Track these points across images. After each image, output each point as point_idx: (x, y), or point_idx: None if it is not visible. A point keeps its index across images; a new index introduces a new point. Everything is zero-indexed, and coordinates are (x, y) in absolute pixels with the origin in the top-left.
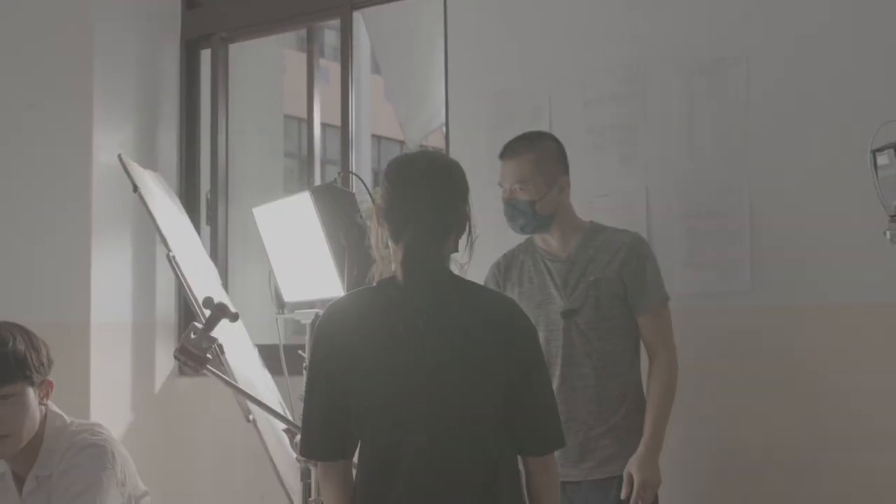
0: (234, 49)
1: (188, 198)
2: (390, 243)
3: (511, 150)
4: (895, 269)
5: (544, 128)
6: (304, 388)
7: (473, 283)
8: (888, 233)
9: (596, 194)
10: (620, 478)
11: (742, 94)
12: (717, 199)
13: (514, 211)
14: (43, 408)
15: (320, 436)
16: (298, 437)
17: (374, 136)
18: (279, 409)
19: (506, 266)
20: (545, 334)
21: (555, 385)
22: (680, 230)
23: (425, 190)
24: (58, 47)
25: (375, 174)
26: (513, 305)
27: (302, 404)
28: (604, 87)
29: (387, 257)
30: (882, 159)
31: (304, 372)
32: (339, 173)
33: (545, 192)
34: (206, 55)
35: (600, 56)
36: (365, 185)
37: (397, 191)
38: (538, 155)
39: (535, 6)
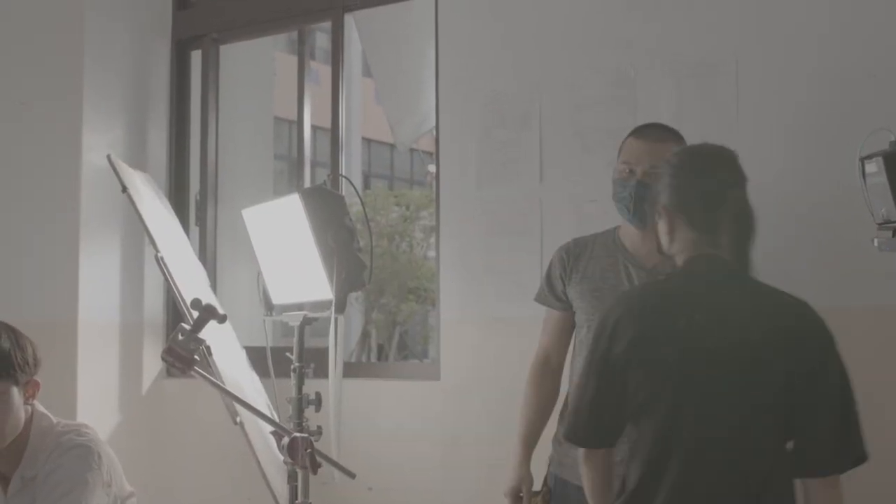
0: (225, 50)
1: (177, 199)
2: (671, 235)
3: (656, 133)
4: (882, 275)
5: (534, 131)
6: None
7: (764, 283)
8: (876, 240)
9: (585, 199)
10: None
11: (731, 100)
12: None
13: (644, 193)
14: (29, 408)
15: (588, 422)
16: (286, 439)
17: (364, 138)
18: (267, 412)
19: (577, 254)
20: None
21: None
22: None
23: (725, 180)
24: (48, 47)
25: (365, 177)
26: (805, 307)
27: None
28: (594, 90)
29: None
30: (870, 167)
31: None
32: (328, 176)
33: None
34: (196, 56)
35: (591, 60)
36: (354, 187)
37: (700, 180)
38: (677, 146)
39: (526, 9)
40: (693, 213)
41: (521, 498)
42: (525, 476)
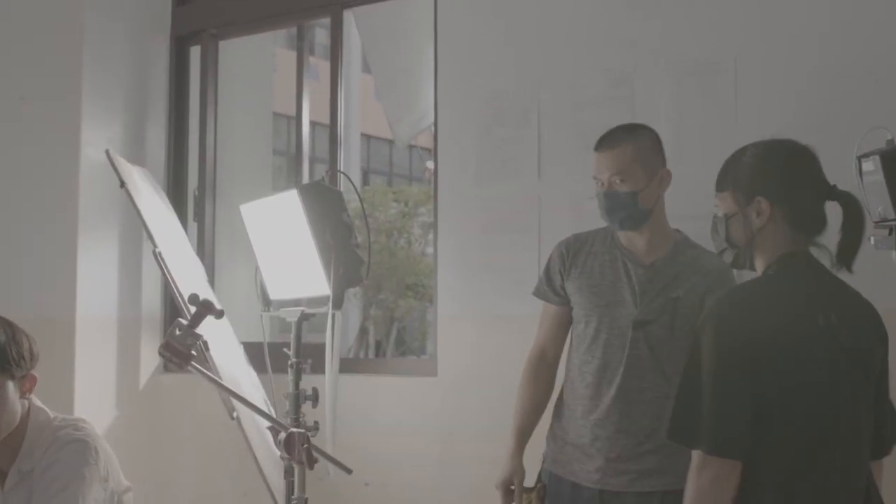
0: (224, 46)
1: (176, 194)
2: (765, 226)
3: (609, 141)
4: (879, 273)
5: (533, 128)
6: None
7: (840, 280)
8: (872, 238)
9: (585, 196)
10: (661, 493)
11: (730, 98)
12: (704, 202)
13: (614, 203)
14: (25, 402)
15: (730, 430)
16: (282, 434)
17: (363, 135)
18: (263, 407)
19: (576, 250)
20: (606, 337)
21: (611, 394)
22: None
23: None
24: (47, 43)
25: (364, 173)
26: (871, 304)
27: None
28: (593, 89)
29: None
30: (867, 165)
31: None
32: (326, 171)
33: (646, 183)
34: (195, 52)
35: (590, 58)
36: (353, 183)
37: (805, 177)
38: (638, 145)
39: (526, 7)
40: (798, 208)
41: (512, 490)
42: (517, 468)
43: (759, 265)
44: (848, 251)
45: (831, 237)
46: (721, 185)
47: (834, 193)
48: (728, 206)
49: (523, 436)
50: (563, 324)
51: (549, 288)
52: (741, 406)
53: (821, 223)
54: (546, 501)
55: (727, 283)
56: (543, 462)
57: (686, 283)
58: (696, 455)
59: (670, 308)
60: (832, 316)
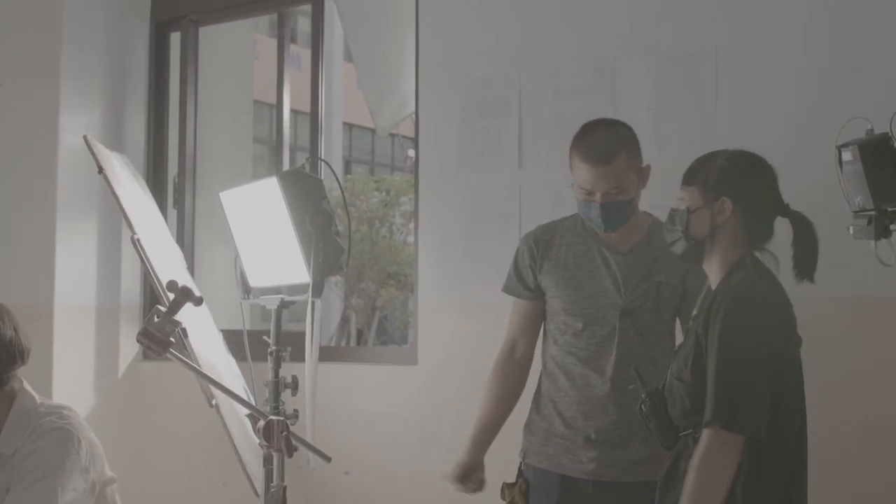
0: (205, 32)
1: (155, 181)
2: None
3: (600, 153)
4: (858, 263)
5: (513, 118)
6: (731, 360)
7: None
8: (851, 228)
9: (564, 185)
10: (655, 482)
11: (710, 88)
12: None
13: (612, 213)
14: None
15: (762, 410)
16: (261, 422)
17: (345, 123)
18: (243, 395)
19: (546, 242)
20: (591, 328)
21: (604, 385)
22: None
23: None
24: (25, 26)
25: (346, 162)
26: None
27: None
28: (574, 78)
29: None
30: (846, 155)
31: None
32: (307, 159)
33: (637, 186)
34: (175, 38)
35: (571, 47)
36: (333, 171)
37: (767, 190)
38: (628, 152)
39: None
40: (754, 216)
41: (461, 480)
42: (470, 463)
43: (713, 263)
44: (807, 265)
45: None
46: (690, 179)
47: (787, 211)
48: (694, 200)
49: (486, 432)
50: (536, 319)
51: (521, 283)
52: (767, 391)
53: (769, 234)
54: (530, 495)
55: None
56: (524, 457)
57: (666, 265)
58: (709, 434)
59: (654, 293)
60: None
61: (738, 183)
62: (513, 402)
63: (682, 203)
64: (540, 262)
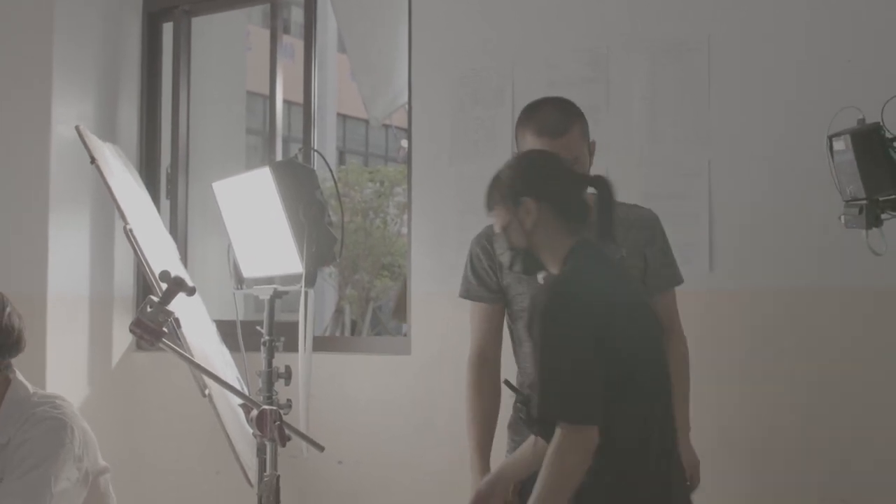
0: (197, 23)
1: (148, 172)
2: (537, 225)
3: (557, 127)
4: (850, 253)
5: (507, 108)
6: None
7: None
8: (843, 217)
9: None
10: None
11: (704, 78)
12: (677, 182)
13: None
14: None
15: (592, 398)
16: (254, 412)
17: (339, 114)
18: (236, 385)
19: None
20: None
21: None
22: None
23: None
24: (17, 17)
25: (340, 153)
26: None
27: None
28: (568, 69)
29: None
30: (838, 145)
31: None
32: (299, 149)
33: (590, 162)
34: (168, 28)
35: (565, 38)
36: (326, 161)
37: (559, 171)
38: (581, 124)
39: None
40: (561, 200)
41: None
42: (487, 490)
43: (549, 261)
44: (604, 226)
45: None
46: (490, 203)
47: (589, 180)
48: (502, 219)
49: (484, 447)
50: (500, 321)
51: (482, 286)
52: (596, 379)
53: (585, 209)
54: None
55: (661, 230)
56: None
57: (625, 241)
58: (560, 431)
59: None
60: (632, 287)
61: (529, 178)
62: (495, 413)
63: (497, 227)
64: (498, 261)
